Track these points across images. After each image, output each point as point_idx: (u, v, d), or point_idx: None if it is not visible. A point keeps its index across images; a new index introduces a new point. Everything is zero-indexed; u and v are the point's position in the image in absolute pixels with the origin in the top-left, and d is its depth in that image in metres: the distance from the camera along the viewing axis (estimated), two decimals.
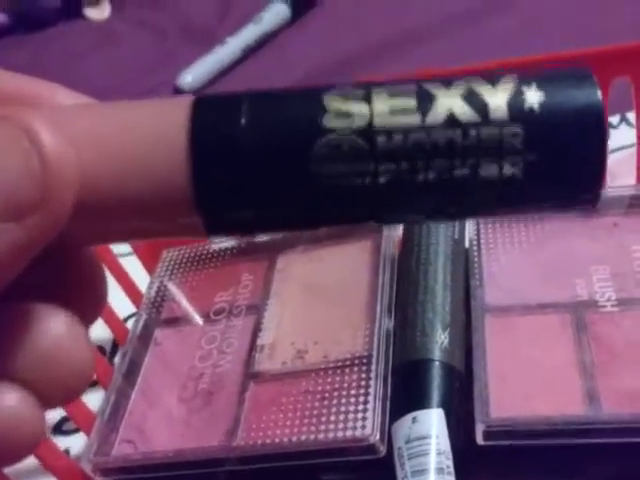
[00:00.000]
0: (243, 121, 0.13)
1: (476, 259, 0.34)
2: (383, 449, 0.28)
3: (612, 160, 0.40)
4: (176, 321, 0.37)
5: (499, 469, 0.30)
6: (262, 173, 0.13)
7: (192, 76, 0.60)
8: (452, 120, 0.13)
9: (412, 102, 0.13)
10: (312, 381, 0.32)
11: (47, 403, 0.14)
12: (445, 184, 0.13)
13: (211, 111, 0.14)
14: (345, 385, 0.31)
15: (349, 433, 0.29)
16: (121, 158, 0.13)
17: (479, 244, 0.35)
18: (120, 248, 0.41)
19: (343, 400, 0.30)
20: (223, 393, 0.33)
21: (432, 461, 0.28)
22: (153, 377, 0.35)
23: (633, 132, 0.39)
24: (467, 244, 0.36)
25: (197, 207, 0.14)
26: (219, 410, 0.32)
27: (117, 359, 0.37)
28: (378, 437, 0.28)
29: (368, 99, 0.13)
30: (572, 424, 0.27)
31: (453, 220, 0.35)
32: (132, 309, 0.40)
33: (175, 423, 0.32)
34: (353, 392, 0.30)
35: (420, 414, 0.29)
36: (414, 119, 0.13)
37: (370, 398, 0.30)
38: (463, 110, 0.13)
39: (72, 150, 0.13)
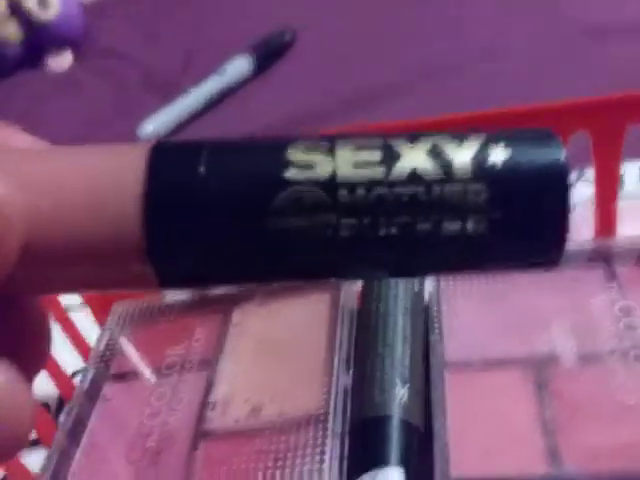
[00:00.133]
0: (202, 170, 0.13)
1: (436, 313, 0.34)
2: None
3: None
4: (125, 376, 0.36)
5: None
6: (219, 224, 0.13)
7: (153, 126, 0.59)
8: (416, 176, 0.13)
9: (376, 156, 0.13)
10: (266, 439, 0.30)
11: None
12: (407, 239, 0.13)
13: (169, 158, 0.13)
14: (300, 444, 0.30)
15: None
16: (73, 204, 0.13)
17: (439, 298, 0.35)
18: (70, 300, 0.39)
19: (298, 460, 0.29)
20: (172, 452, 0.31)
21: None
22: (100, 436, 0.33)
23: (590, 189, 0.39)
24: (427, 297, 0.35)
25: (149, 257, 0.13)
26: (168, 470, 0.31)
27: (62, 416, 0.36)
28: None
29: (332, 152, 0.13)
30: None
31: (414, 277, 0.35)
32: (81, 364, 0.38)
33: None
34: (309, 451, 0.29)
35: (379, 473, 0.28)
36: (378, 173, 0.13)
37: (326, 457, 0.29)
38: (427, 166, 0.13)
39: (20, 195, 0.13)
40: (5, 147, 0.15)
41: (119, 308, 0.39)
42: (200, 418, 0.32)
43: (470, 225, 0.13)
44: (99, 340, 0.38)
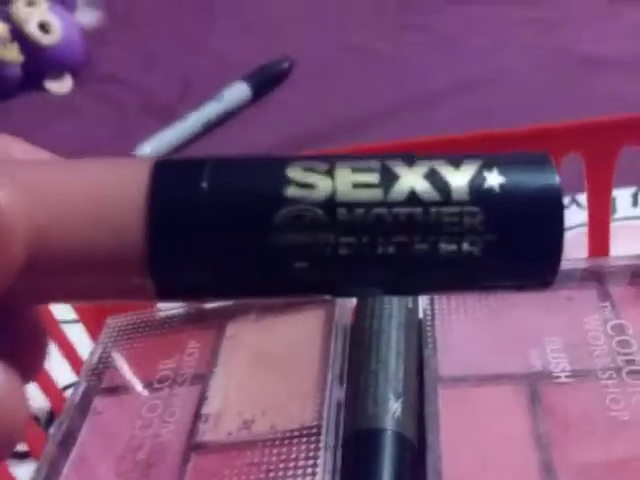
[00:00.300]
0: (204, 185, 0.13)
1: (429, 328, 0.34)
2: None
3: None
4: (117, 389, 0.36)
5: None
6: (220, 238, 0.13)
7: (151, 148, 0.60)
8: (414, 198, 0.13)
9: (375, 178, 0.13)
10: (258, 452, 0.30)
11: None
12: (404, 258, 0.13)
13: (172, 172, 0.14)
14: (293, 457, 0.29)
15: None
16: (75, 215, 0.13)
17: (433, 313, 0.35)
18: (64, 314, 0.39)
19: (290, 472, 0.29)
20: (163, 464, 0.31)
21: None
22: (89, 449, 0.33)
23: (584, 213, 0.40)
24: (421, 313, 0.35)
25: (150, 269, 0.13)
26: None
27: (52, 429, 0.35)
28: None
29: (331, 172, 0.13)
30: None
31: (410, 295, 0.35)
32: (73, 378, 0.38)
33: None
34: (301, 464, 0.29)
35: None
36: (377, 194, 0.13)
37: (319, 470, 0.28)
38: (425, 189, 0.13)
39: (23, 205, 0.13)
40: (7, 157, 0.15)
41: (113, 322, 0.39)
42: (192, 431, 0.32)
43: (466, 246, 0.13)
44: (92, 353, 0.37)
